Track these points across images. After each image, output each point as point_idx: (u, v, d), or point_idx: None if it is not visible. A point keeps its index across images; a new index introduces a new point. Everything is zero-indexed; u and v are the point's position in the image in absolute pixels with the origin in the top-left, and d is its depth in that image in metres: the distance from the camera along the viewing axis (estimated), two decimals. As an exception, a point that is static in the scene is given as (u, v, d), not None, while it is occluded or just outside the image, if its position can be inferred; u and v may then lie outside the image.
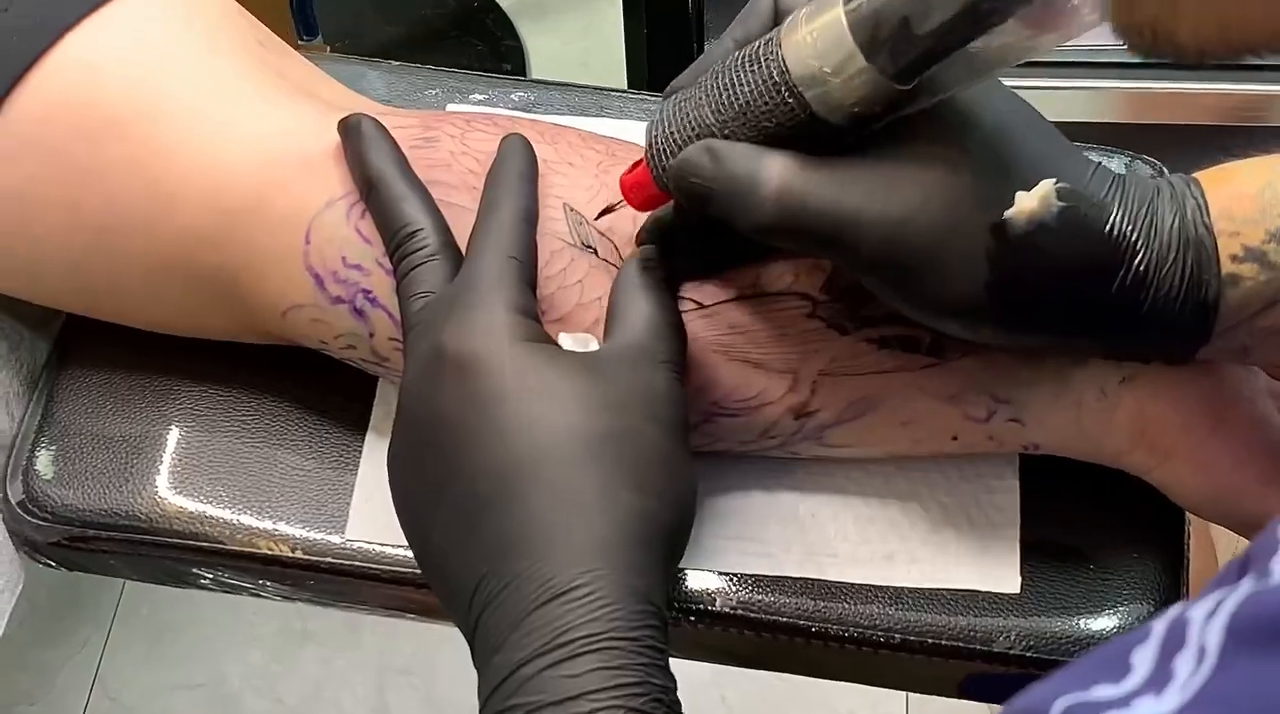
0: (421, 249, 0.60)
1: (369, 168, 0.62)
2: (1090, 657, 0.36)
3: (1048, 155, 0.56)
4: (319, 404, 0.70)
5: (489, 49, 1.91)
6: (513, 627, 0.51)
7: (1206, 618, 0.32)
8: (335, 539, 0.67)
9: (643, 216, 0.62)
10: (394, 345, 0.64)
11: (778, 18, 0.57)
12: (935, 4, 0.50)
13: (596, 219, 0.63)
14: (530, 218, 0.61)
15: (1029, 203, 0.54)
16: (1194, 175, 0.59)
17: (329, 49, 1.66)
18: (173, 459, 0.69)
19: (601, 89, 0.81)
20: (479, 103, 0.80)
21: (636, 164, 0.59)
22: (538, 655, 0.50)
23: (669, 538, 0.55)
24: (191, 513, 0.68)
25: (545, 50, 1.94)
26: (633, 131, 0.73)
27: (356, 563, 0.67)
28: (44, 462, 0.70)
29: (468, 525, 0.53)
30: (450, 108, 0.80)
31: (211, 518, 0.68)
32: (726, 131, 0.56)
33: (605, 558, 0.51)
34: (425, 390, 0.56)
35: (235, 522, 0.68)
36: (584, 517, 0.52)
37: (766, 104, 0.55)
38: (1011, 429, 0.64)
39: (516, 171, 0.62)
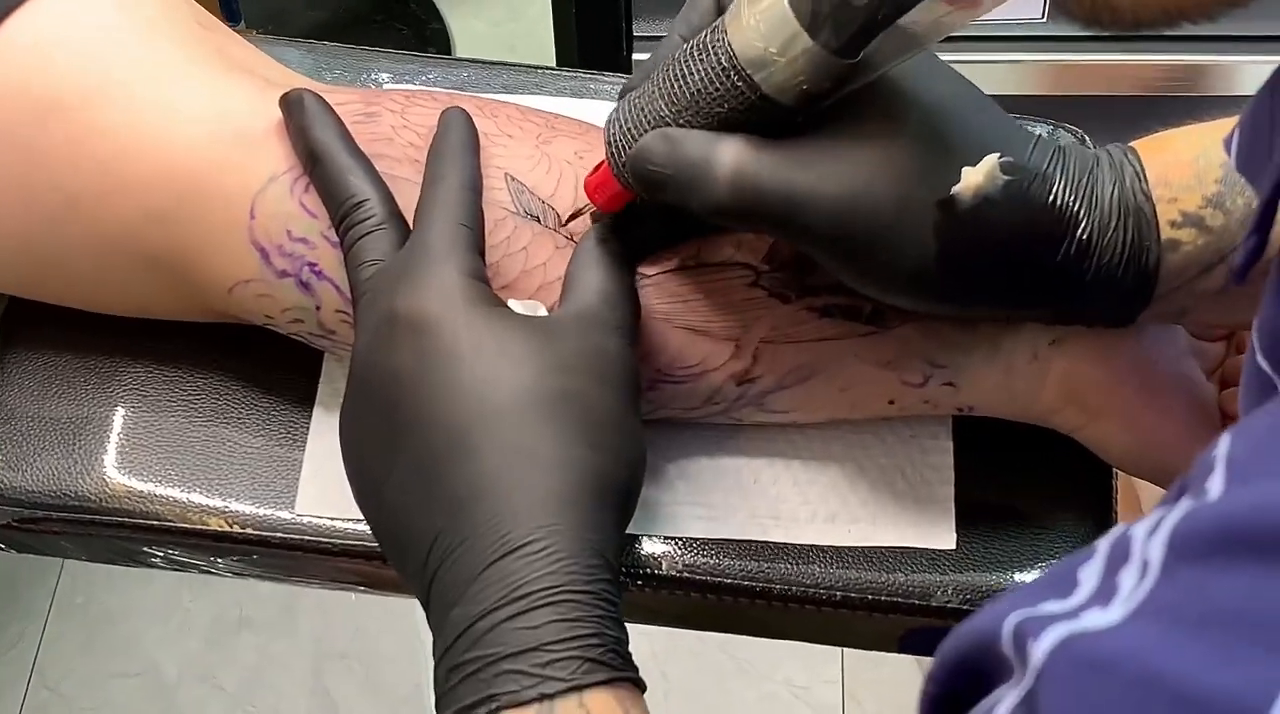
0: (368, 218, 0.61)
1: (313, 141, 0.63)
2: (1039, 578, 0.37)
3: (990, 130, 0.58)
4: (265, 381, 0.71)
5: (414, 33, 1.91)
6: (469, 581, 0.52)
7: (1148, 535, 0.34)
8: (285, 514, 0.68)
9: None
10: (341, 318, 0.65)
11: (720, 8, 0.59)
12: None
13: (564, 225, 0.64)
14: (475, 186, 0.62)
15: (974, 177, 0.56)
16: (1130, 144, 0.61)
17: (254, 34, 1.65)
18: (120, 439, 0.69)
19: (533, 67, 0.82)
20: (413, 84, 0.81)
21: (599, 166, 0.61)
22: (496, 608, 0.51)
23: (621, 495, 0.56)
24: (140, 492, 0.68)
25: (471, 33, 1.95)
26: (566, 107, 0.75)
27: (307, 537, 0.68)
28: (-10, 445, 0.70)
29: (422, 484, 0.54)
30: (386, 88, 0.81)
31: (160, 496, 0.68)
32: (681, 121, 0.57)
33: (561, 513, 0.53)
34: (378, 354, 0.57)
35: (184, 500, 0.68)
36: (539, 472, 0.53)
37: (717, 90, 0.56)
38: (946, 392, 0.66)
39: (459, 142, 0.63)
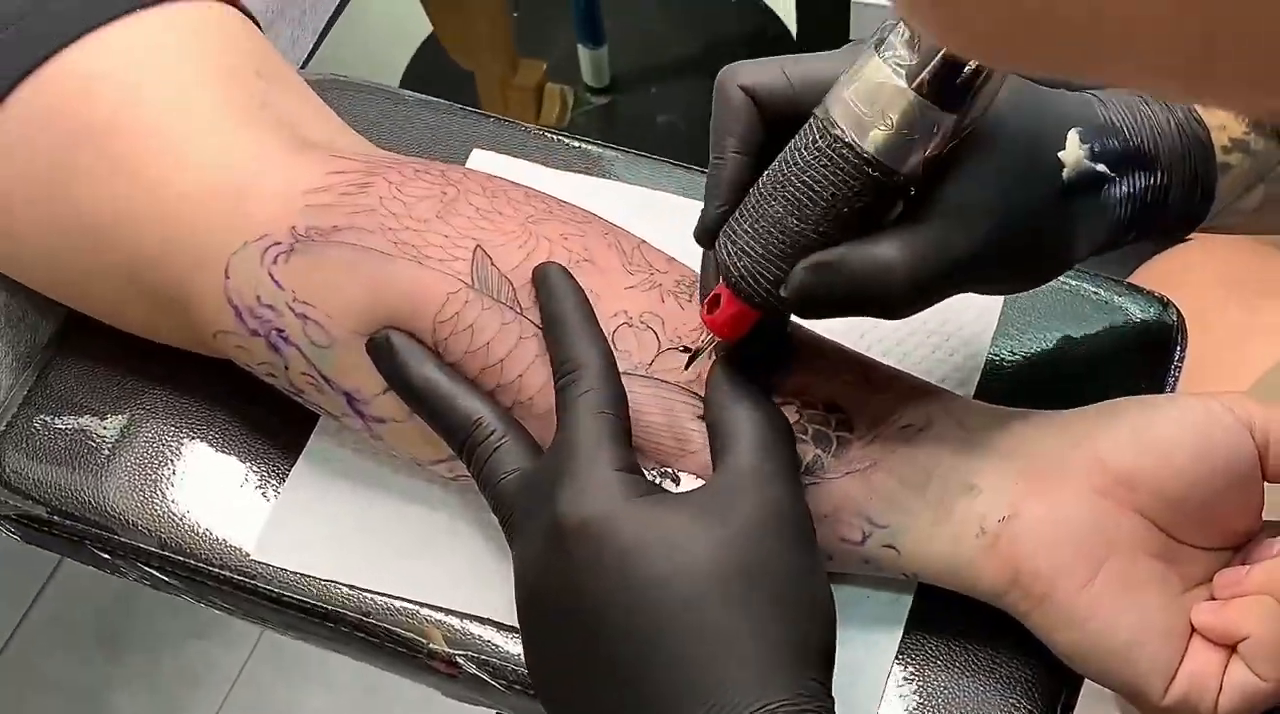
0: (491, 435, 0.62)
1: (411, 380, 0.63)
2: None
3: (1056, 110, 0.62)
4: (264, 423, 0.73)
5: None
6: None
7: None
8: (243, 554, 0.70)
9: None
10: (307, 380, 0.66)
11: (763, 108, 0.59)
12: None
13: (686, 368, 0.63)
14: (607, 360, 0.61)
15: (1072, 156, 0.61)
16: None
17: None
18: (124, 456, 0.73)
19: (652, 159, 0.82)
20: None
21: (714, 305, 0.60)
22: None
23: (825, 654, 0.56)
24: (131, 507, 0.71)
25: None
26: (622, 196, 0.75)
27: (258, 583, 0.69)
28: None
29: (631, 690, 0.55)
30: (476, 152, 0.82)
31: (148, 514, 0.71)
32: (821, 228, 0.57)
33: (774, 690, 0.53)
34: (551, 570, 0.57)
35: (163, 521, 0.71)
36: (744, 655, 0.54)
37: (852, 187, 0.56)
38: (888, 555, 0.63)
39: (572, 309, 0.62)
